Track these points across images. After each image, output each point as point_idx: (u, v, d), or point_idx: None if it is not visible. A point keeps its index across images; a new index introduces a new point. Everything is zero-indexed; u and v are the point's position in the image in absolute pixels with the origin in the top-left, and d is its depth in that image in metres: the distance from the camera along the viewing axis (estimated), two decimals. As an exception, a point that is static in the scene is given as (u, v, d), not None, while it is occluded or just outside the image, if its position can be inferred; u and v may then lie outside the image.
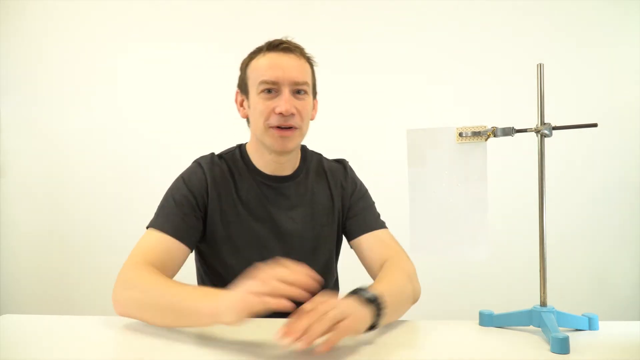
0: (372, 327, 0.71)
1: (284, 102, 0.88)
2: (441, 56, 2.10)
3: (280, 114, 0.88)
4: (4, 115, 2.14)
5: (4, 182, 2.14)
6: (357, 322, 0.66)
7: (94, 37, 2.12)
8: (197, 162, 0.98)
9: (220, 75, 2.11)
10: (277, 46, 0.92)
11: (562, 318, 0.80)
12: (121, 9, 2.12)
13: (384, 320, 0.73)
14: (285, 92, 0.89)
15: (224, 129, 2.05)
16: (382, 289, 0.75)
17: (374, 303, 0.71)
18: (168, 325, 0.69)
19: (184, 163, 1.03)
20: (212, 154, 1.01)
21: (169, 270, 0.85)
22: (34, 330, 0.81)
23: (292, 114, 0.89)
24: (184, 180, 0.94)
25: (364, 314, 0.68)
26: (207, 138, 2.02)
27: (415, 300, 0.90)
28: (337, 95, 1.73)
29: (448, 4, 2.10)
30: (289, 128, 0.90)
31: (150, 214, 0.94)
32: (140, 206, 2.09)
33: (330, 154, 1.12)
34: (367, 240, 1.00)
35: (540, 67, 0.82)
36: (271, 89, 0.90)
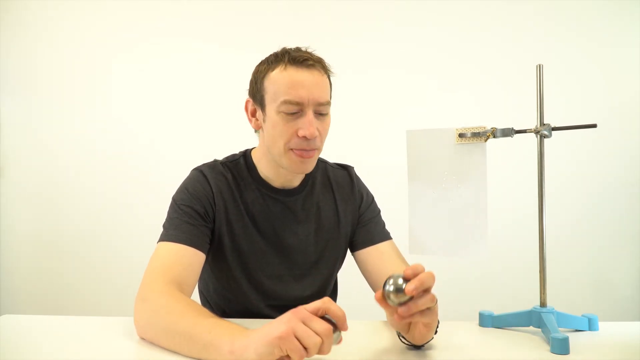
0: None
1: (309, 125, 0.83)
2: (441, 57, 2.10)
3: (304, 137, 0.84)
4: (4, 115, 2.14)
5: (3, 182, 2.14)
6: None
7: (94, 37, 2.12)
8: (200, 171, 0.94)
9: (222, 76, 2.11)
10: (300, 62, 0.85)
11: (562, 318, 0.80)
12: (122, 10, 2.12)
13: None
14: (309, 113, 0.84)
15: (225, 132, 2.05)
16: None
17: None
18: (187, 355, 0.67)
19: (184, 164, 1.01)
20: (215, 161, 0.97)
21: (189, 280, 0.82)
22: (34, 330, 0.81)
23: (315, 137, 0.85)
24: (187, 190, 0.90)
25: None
26: (208, 141, 2.03)
27: None
28: (335, 95, 1.74)
29: (448, 5, 2.10)
30: (310, 150, 0.87)
31: (150, 214, 0.94)
32: (140, 207, 2.11)
33: (329, 156, 1.10)
34: (370, 253, 0.98)
35: (539, 68, 0.83)
36: (295, 110, 0.85)
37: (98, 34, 2.12)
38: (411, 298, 0.60)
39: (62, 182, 2.12)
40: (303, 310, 0.58)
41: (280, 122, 0.85)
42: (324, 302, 0.59)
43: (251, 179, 0.95)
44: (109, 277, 2.08)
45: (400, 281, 0.60)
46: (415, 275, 0.60)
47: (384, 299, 0.62)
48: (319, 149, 0.89)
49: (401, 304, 0.60)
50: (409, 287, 0.59)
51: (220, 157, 0.99)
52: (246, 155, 0.99)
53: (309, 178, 1.00)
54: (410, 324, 0.67)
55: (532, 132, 0.82)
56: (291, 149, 0.86)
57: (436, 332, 0.72)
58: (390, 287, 0.60)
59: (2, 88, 2.14)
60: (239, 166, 0.96)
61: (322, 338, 0.56)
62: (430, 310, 0.63)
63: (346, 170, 1.06)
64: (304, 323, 0.56)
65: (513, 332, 0.82)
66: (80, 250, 2.11)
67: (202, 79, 2.11)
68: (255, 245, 0.93)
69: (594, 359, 0.69)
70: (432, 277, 0.61)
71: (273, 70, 0.87)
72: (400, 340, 0.73)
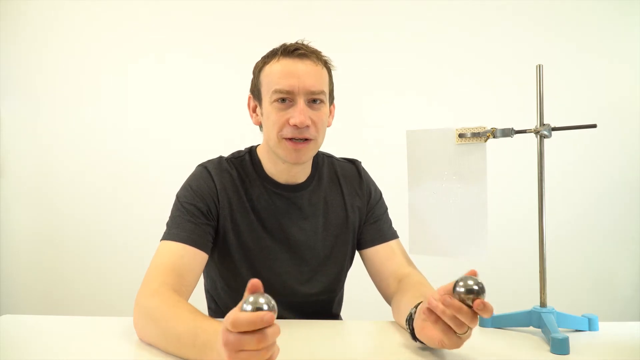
0: None
1: (299, 113, 0.83)
2: (441, 57, 2.10)
3: (295, 125, 0.83)
4: (4, 115, 2.14)
5: (4, 182, 2.14)
6: None
7: (94, 37, 2.12)
8: (204, 167, 0.93)
9: (224, 76, 2.11)
10: (292, 52, 0.86)
11: (562, 319, 0.80)
12: (123, 9, 2.12)
13: None
14: (300, 102, 0.84)
15: (227, 131, 2.05)
16: None
17: None
18: (181, 357, 0.66)
19: (184, 164, 1.01)
20: (220, 157, 0.96)
21: (188, 280, 0.81)
22: (34, 330, 0.81)
23: (307, 126, 0.84)
24: (191, 188, 0.90)
25: None
26: (209, 141, 2.03)
27: None
28: (335, 95, 1.74)
29: (448, 5, 2.10)
30: (304, 140, 0.86)
31: (149, 214, 0.94)
32: (140, 207, 2.11)
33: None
34: (379, 251, 0.97)
35: (539, 68, 0.83)
36: (285, 99, 0.85)
37: (98, 33, 2.12)
38: (470, 307, 0.60)
39: (62, 182, 2.12)
40: (230, 337, 0.50)
41: (273, 111, 0.86)
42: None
43: (256, 175, 0.94)
44: (109, 277, 2.08)
45: (483, 291, 0.61)
46: (483, 306, 0.60)
47: (455, 286, 0.61)
48: (314, 139, 0.88)
49: (460, 299, 0.61)
50: (478, 302, 0.59)
51: (225, 154, 0.99)
52: (251, 151, 0.98)
53: (315, 173, 0.99)
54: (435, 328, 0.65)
55: (532, 132, 0.82)
56: (285, 139, 0.86)
57: None
58: (470, 282, 0.61)
59: (2, 88, 2.14)
60: (244, 162, 0.96)
61: (261, 348, 0.50)
62: (454, 334, 0.63)
63: (353, 164, 1.05)
64: (242, 350, 0.50)
65: (513, 332, 0.82)
66: (80, 249, 2.11)
67: (204, 78, 2.11)
68: (261, 242, 0.92)
69: (594, 359, 0.69)
70: (476, 323, 0.62)
71: (268, 63, 0.88)
72: (409, 331, 0.72)
